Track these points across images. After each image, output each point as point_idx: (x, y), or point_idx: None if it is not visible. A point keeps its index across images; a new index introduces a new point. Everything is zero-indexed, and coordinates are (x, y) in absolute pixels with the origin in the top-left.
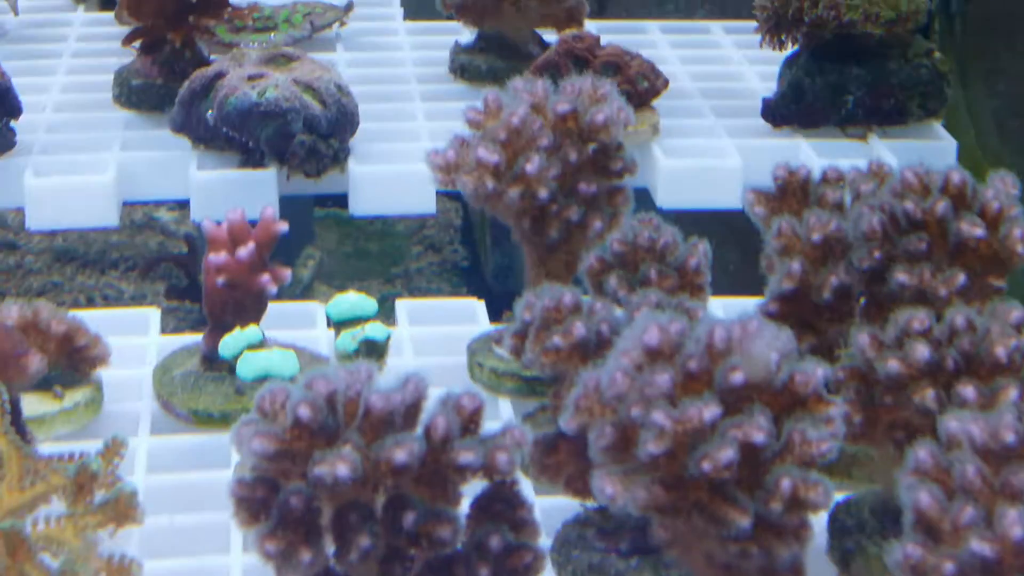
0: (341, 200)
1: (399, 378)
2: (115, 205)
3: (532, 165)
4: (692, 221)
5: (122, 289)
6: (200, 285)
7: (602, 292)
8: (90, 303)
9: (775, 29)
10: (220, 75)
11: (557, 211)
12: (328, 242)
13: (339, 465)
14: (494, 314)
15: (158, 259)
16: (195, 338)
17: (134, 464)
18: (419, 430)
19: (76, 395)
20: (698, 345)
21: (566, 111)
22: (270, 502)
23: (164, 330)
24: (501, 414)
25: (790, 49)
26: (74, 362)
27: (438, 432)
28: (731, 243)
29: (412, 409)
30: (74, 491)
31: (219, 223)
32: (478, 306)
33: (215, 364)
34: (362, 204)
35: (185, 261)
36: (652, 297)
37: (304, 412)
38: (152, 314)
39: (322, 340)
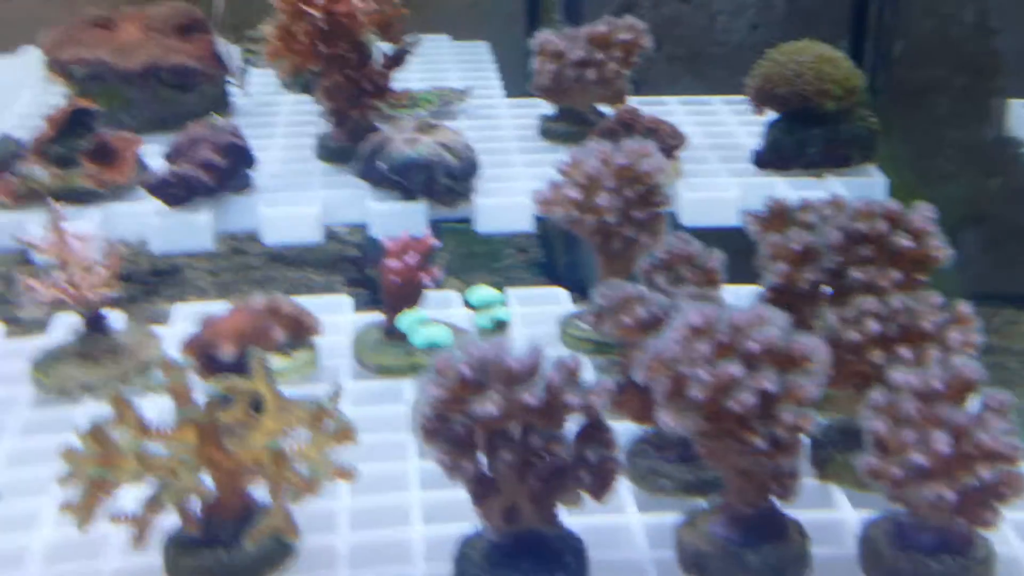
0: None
1: (525, 347)
2: (320, 227)
3: (602, 200)
4: (703, 235)
5: (315, 280)
6: (368, 277)
7: (652, 285)
8: (294, 290)
9: (759, 101)
10: (389, 139)
11: (618, 231)
12: (449, 246)
13: (489, 405)
14: None
15: (339, 259)
16: (376, 317)
17: (342, 400)
18: (541, 382)
19: (301, 355)
20: (727, 324)
21: (624, 164)
22: (442, 429)
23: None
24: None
25: (769, 116)
26: (299, 333)
27: (554, 383)
28: (728, 248)
29: (535, 368)
30: (312, 422)
31: (393, 239)
32: (562, 293)
33: (392, 335)
34: (484, 225)
35: (358, 260)
36: (690, 290)
37: (466, 371)
38: (346, 300)
39: (457, 316)
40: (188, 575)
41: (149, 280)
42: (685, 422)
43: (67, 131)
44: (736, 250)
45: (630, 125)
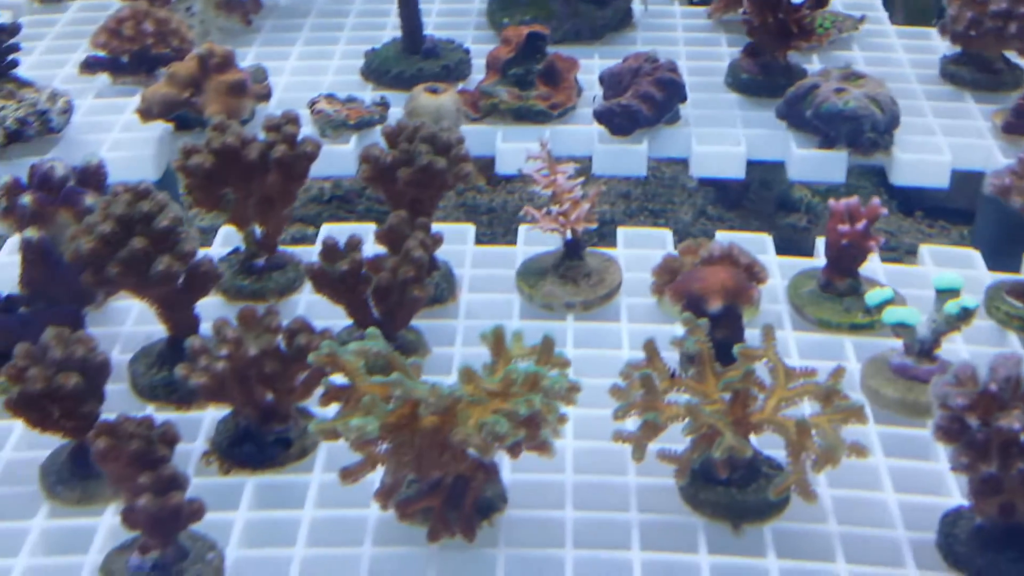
0: None
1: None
2: (743, 164)
3: None
4: None
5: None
6: None
7: None
8: None
9: None
10: (815, 87)
11: None
12: None
13: (1016, 423)
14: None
15: None
16: (806, 263)
17: (788, 349)
18: None
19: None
20: None
21: None
22: (959, 432)
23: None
24: (1010, 343)
25: None
26: (750, 280)
27: None
28: None
29: None
30: (824, 397)
31: (842, 203)
32: (977, 256)
33: (828, 289)
34: (899, 178)
35: None
36: None
37: (993, 388)
38: (768, 240)
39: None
40: (708, 507)
41: None
42: None
43: (523, 53)
44: None
45: None
